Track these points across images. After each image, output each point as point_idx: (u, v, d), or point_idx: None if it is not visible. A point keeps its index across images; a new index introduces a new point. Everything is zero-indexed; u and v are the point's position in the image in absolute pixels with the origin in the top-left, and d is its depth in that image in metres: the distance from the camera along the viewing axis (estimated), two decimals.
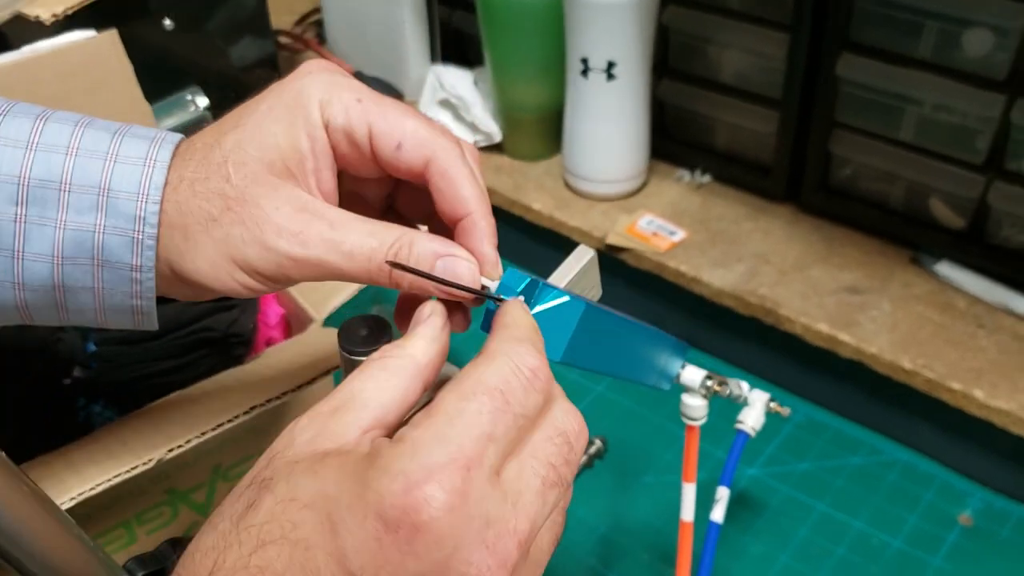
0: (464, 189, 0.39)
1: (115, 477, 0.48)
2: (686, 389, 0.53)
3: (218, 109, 0.95)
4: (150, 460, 0.49)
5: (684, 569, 0.56)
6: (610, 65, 0.87)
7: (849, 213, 0.89)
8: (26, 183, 0.38)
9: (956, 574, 0.69)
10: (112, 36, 0.68)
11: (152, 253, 0.39)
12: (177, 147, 0.39)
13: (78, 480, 0.48)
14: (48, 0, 0.75)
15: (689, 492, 0.56)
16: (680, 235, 0.89)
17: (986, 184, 0.78)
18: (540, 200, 0.95)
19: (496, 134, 1.01)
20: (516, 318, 0.35)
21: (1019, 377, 0.73)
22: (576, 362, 0.41)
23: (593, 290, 0.47)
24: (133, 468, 0.48)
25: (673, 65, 0.94)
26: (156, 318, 0.41)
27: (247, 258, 0.38)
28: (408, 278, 0.37)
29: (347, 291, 0.64)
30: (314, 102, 0.39)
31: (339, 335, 0.39)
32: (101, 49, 0.67)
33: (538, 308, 0.39)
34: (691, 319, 0.89)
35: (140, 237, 0.38)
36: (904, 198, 0.85)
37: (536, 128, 0.99)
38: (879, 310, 0.81)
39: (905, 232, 0.86)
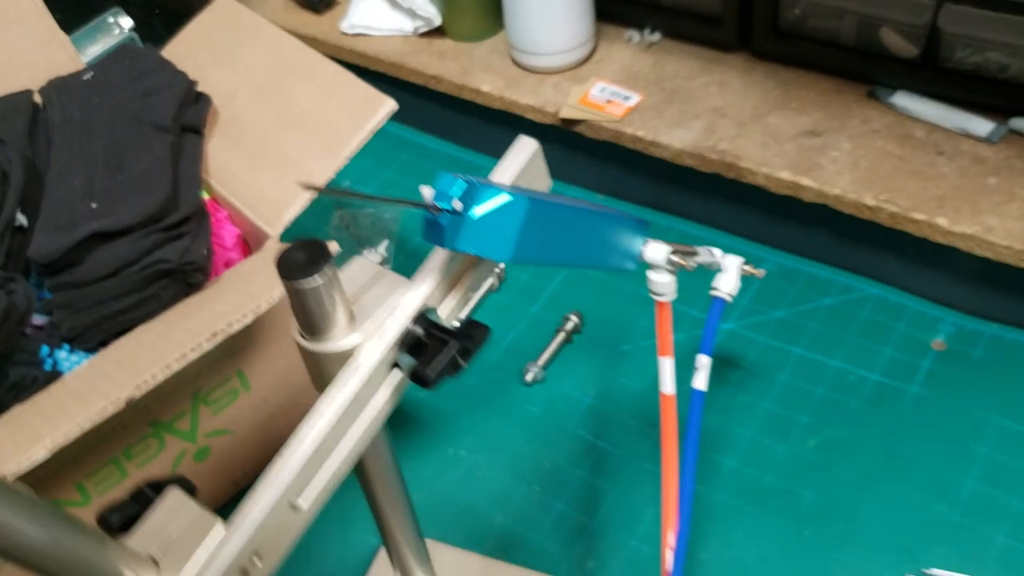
0: None
1: (87, 421, 0.48)
2: (651, 266, 0.53)
3: (144, 27, 0.91)
4: (118, 399, 0.49)
5: (670, 439, 0.56)
6: None
7: (802, 54, 0.87)
8: None
9: (933, 398, 0.71)
10: None
11: None
12: None
13: (50, 428, 0.48)
14: None
15: (667, 365, 0.55)
16: (635, 99, 0.87)
17: (935, 8, 0.76)
18: (489, 81, 0.93)
19: (435, 17, 0.98)
20: None
21: (980, 200, 0.74)
22: (529, 259, 0.40)
23: (541, 181, 0.45)
24: (103, 410, 0.48)
25: None
26: None
27: None
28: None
29: (299, 203, 0.63)
30: None
31: (277, 266, 0.37)
32: None
33: (479, 209, 0.37)
34: (654, 183, 0.88)
35: None
36: (855, 33, 0.83)
37: (475, 5, 0.96)
38: (839, 150, 0.80)
39: (859, 67, 0.84)
